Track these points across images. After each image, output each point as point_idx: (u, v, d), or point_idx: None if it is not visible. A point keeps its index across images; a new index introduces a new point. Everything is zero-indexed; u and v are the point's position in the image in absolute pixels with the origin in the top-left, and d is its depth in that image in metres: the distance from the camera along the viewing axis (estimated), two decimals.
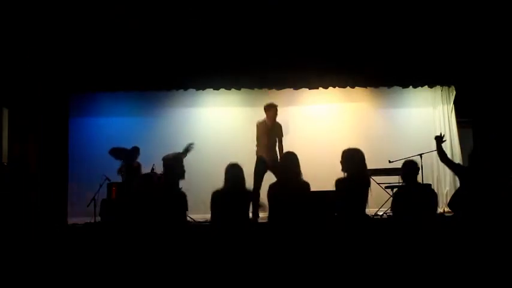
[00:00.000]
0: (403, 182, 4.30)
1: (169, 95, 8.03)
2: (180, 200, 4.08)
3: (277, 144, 6.67)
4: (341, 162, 4.08)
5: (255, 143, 6.67)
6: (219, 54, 7.04)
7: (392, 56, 7.16)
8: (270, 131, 6.65)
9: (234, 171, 4.04)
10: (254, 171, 6.25)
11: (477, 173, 4.16)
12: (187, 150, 5.26)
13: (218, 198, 3.98)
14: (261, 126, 6.69)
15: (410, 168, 4.25)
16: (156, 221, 3.93)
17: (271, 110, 6.70)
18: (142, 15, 6.19)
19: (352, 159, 4.02)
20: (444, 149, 8.21)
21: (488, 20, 6.49)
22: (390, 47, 7.08)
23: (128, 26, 6.46)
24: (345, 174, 4.04)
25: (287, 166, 4.02)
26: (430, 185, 6.82)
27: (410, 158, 4.59)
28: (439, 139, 4.82)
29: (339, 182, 3.99)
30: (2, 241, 5.14)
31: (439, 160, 7.76)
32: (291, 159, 4.05)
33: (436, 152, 7.25)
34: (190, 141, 5.29)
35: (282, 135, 6.73)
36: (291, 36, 6.90)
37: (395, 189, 6.31)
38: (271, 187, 4.08)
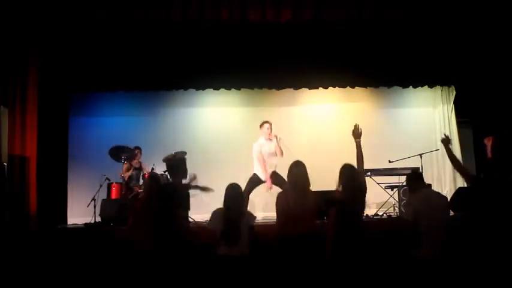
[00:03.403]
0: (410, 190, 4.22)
1: (169, 95, 8.02)
2: (183, 197, 4.09)
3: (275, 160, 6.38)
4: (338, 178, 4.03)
5: (255, 143, 6.54)
6: (219, 54, 7.04)
7: (392, 56, 7.16)
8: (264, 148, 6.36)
9: (231, 193, 4.00)
10: (246, 183, 6.12)
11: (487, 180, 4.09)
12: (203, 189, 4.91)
13: (217, 218, 3.95)
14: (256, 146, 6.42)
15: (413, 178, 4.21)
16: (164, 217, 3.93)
17: (262, 126, 6.44)
18: (142, 15, 6.18)
19: (343, 172, 3.98)
20: (444, 149, 8.21)
21: (488, 20, 6.48)
22: (390, 47, 7.08)
23: (128, 26, 6.45)
24: (339, 188, 3.99)
25: (297, 175, 3.97)
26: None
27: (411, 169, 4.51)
28: (447, 141, 4.60)
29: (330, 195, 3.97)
30: (2, 241, 5.13)
31: (438, 160, 7.90)
32: (301, 168, 4.01)
33: (436, 152, 7.37)
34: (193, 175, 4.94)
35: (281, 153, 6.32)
36: (290, 36, 6.90)
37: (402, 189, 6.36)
38: (280, 196, 4.04)
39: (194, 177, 4.33)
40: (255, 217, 4.18)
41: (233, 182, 4.09)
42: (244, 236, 3.90)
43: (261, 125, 6.47)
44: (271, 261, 4.03)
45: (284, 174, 4.31)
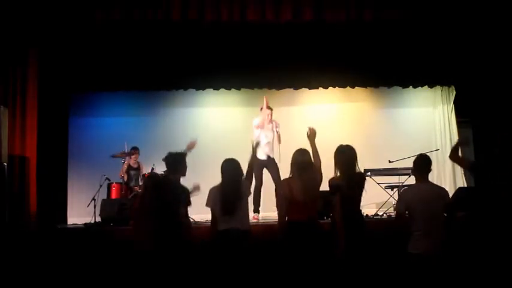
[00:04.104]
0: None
1: (169, 95, 8.03)
2: (183, 193, 4.08)
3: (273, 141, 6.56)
4: (334, 161, 4.02)
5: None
6: (219, 54, 7.04)
7: (392, 56, 7.17)
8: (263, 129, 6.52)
9: (226, 166, 4.03)
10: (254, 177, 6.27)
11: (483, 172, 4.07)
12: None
13: (214, 194, 3.97)
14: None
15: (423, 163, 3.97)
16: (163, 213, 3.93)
17: (262, 111, 6.58)
18: (142, 15, 6.18)
19: (342, 156, 3.96)
20: (444, 149, 8.22)
21: (488, 20, 6.48)
22: (390, 47, 7.08)
23: (128, 26, 6.45)
24: (338, 173, 3.98)
25: (303, 162, 3.95)
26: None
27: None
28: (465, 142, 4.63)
29: (331, 181, 3.94)
30: (2, 241, 5.13)
31: (438, 160, 7.89)
32: (306, 156, 3.99)
33: (436, 152, 7.37)
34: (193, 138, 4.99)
35: (279, 136, 6.57)
36: (290, 36, 6.89)
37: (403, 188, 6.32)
38: (283, 183, 4.03)
39: (197, 188, 4.31)
40: (250, 186, 4.14)
41: (230, 157, 4.09)
42: (243, 209, 3.92)
43: (262, 108, 6.56)
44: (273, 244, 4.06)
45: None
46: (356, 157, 3.96)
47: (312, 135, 4.20)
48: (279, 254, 3.84)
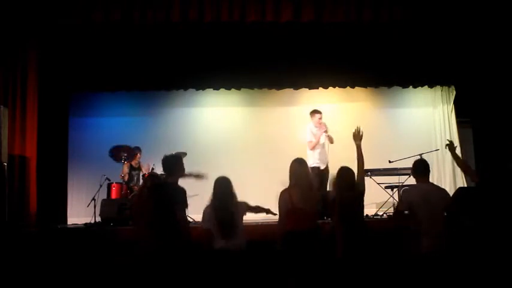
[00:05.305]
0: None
1: (169, 95, 8.03)
2: (181, 195, 4.07)
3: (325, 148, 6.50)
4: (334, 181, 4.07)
5: (261, 143, 6.61)
6: (219, 54, 7.03)
7: (392, 56, 7.16)
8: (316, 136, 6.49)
9: (216, 185, 4.00)
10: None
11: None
12: (197, 176, 4.99)
13: (209, 215, 3.95)
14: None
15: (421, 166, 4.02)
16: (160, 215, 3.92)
17: (313, 115, 6.59)
18: (142, 16, 6.18)
19: (339, 179, 3.99)
20: (444, 149, 8.21)
21: (487, 21, 6.48)
22: (390, 47, 7.08)
23: (128, 27, 6.45)
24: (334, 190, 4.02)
25: (301, 172, 3.99)
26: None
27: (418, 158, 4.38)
28: (452, 147, 4.43)
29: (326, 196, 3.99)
30: (2, 241, 5.13)
31: (438, 160, 7.90)
32: (304, 165, 4.03)
33: (436, 152, 7.38)
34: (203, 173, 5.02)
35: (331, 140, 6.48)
36: (290, 36, 6.89)
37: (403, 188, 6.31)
38: (283, 192, 4.04)
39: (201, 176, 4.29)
40: (246, 205, 4.10)
41: (222, 175, 4.06)
42: (238, 228, 3.91)
43: (312, 114, 6.56)
44: (270, 255, 4.05)
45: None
46: (354, 178, 3.98)
47: (356, 136, 4.21)
48: (279, 262, 3.85)
